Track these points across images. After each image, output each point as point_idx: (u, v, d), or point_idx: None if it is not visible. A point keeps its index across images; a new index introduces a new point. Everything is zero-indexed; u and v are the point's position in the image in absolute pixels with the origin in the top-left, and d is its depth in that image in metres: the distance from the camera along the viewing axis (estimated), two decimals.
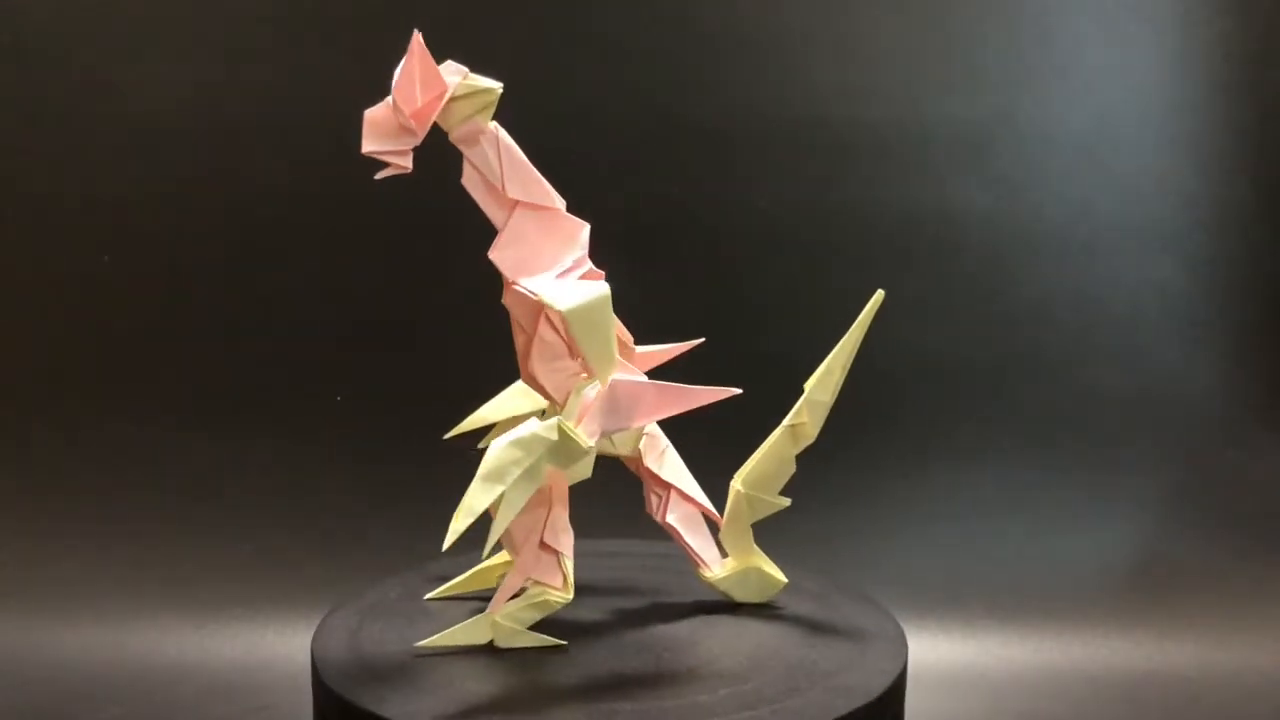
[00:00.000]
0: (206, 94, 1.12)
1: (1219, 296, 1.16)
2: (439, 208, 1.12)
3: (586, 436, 0.57)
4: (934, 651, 1.06)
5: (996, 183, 1.14)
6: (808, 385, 0.64)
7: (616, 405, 0.58)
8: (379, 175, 0.59)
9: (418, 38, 0.56)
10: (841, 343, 0.64)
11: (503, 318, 0.61)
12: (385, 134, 0.58)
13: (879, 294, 0.62)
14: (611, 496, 0.71)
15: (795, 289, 1.12)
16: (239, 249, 1.14)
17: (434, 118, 0.58)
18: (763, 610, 0.68)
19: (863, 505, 1.13)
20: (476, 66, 0.61)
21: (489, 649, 0.62)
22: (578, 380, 0.59)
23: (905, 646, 0.64)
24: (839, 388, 0.64)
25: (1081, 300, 1.15)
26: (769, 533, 1.07)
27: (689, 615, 0.67)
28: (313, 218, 1.13)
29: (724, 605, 0.69)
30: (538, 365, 0.59)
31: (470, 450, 0.61)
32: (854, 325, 0.64)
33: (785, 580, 0.67)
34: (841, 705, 0.57)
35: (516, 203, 0.60)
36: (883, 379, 1.14)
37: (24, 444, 1.13)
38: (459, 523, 0.54)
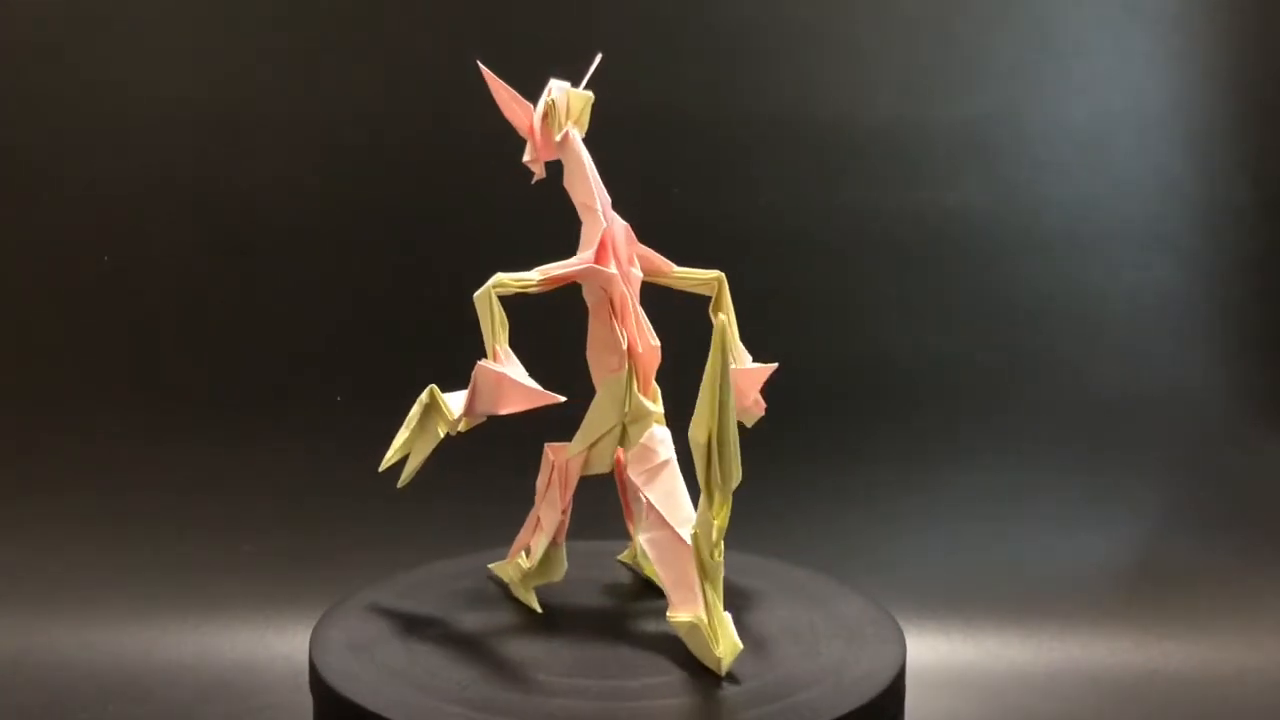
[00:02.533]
0: (206, 94, 1.12)
1: (1219, 296, 1.16)
2: (440, 208, 1.13)
3: (454, 409, 0.63)
4: (934, 651, 1.06)
5: (996, 182, 1.14)
6: None
7: (480, 390, 0.61)
8: (533, 180, 0.67)
9: (483, 69, 0.64)
10: (704, 379, 0.55)
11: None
12: (529, 148, 0.66)
13: (720, 321, 0.54)
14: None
15: (795, 288, 1.12)
16: (239, 248, 1.14)
17: (538, 131, 0.65)
18: (763, 610, 0.68)
19: (863, 505, 1.13)
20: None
21: (494, 649, 0.63)
22: (614, 374, 0.63)
23: (905, 646, 0.64)
24: (728, 427, 0.55)
25: (1081, 300, 1.15)
26: (771, 530, 1.07)
27: None
28: (314, 217, 1.14)
29: (729, 606, 0.69)
30: (590, 354, 0.64)
31: None
32: (709, 359, 0.55)
33: (721, 657, 0.58)
34: (841, 705, 0.57)
35: (582, 203, 0.65)
36: (882, 379, 1.15)
37: (24, 444, 1.13)
38: (387, 456, 0.65)
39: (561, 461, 0.65)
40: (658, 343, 0.64)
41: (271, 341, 1.13)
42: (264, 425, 1.13)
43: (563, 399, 0.61)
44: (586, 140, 0.65)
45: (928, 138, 1.14)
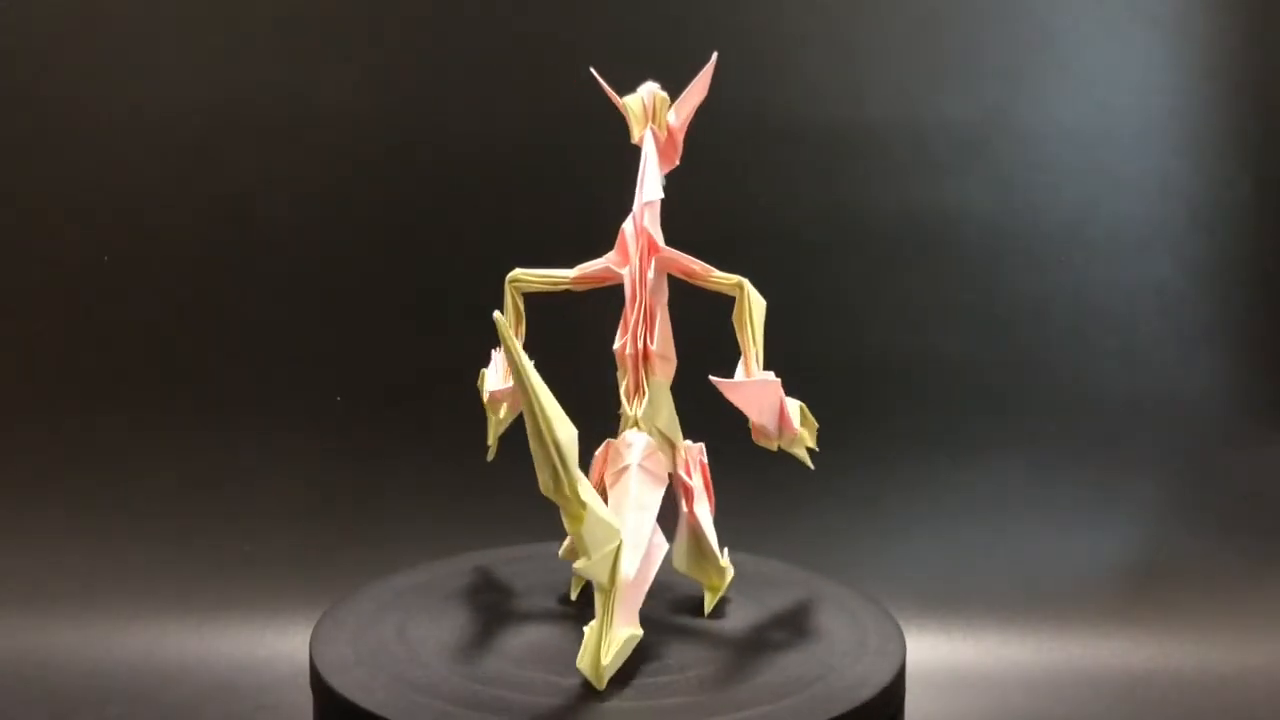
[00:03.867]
0: (207, 94, 1.12)
1: (1219, 297, 1.16)
2: (440, 208, 1.12)
3: (487, 386, 0.68)
4: (934, 651, 1.06)
5: (996, 183, 1.14)
6: None
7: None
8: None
9: (599, 80, 0.65)
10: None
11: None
12: None
13: (497, 316, 0.51)
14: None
15: (794, 289, 1.12)
16: (238, 249, 1.14)
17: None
18: (763, 610, 0.68)
19: (863, 505, 1.13)
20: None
21: (495, 648, 0.63)
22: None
23: (905, 646, 0.64)
24: (537, 429, 0.51)
25: (1081, 300, 1.15)
26: (771, 530, 1.08)
27: (696, 616, 0.67)
28: (313, 217, 1.13)
29: (728, 606, 0.69)
30: None
31: None
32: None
33: (580, 669, 0.57)
34: (841, 705, 0.57)
35: None
36: (882, 379, 1.14)
37: (24, 444, 1.13)
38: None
39: (600, 457, 0.65)
40: (654, 346, 0.64)
41: (272, 341, 1.13)
42: (264, 425, 1.13)
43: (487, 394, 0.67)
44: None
45: (927, 138, 1.14)
